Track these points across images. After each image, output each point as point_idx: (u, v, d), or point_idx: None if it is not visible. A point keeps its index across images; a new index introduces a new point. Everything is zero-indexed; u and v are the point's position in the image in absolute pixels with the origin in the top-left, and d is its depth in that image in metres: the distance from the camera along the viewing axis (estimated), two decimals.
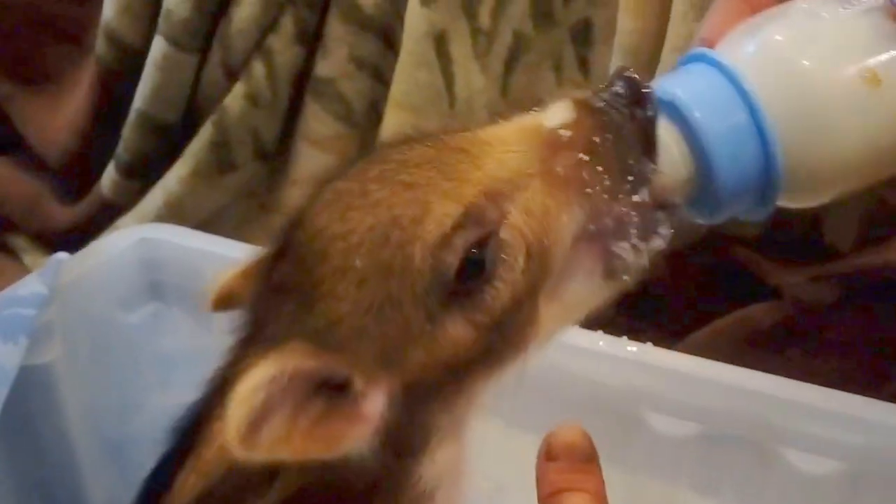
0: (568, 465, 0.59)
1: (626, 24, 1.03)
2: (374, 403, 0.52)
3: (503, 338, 0.54)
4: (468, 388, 0.56)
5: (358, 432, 0.52)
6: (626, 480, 0.82)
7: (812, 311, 1.04)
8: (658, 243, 0.55)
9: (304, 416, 0.50)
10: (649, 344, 0.81)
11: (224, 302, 0.61)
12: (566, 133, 0.54)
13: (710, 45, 0.59)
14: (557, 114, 0.55)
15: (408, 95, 1.15)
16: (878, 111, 0.55)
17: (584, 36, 1.11)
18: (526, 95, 1.14)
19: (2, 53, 1.41)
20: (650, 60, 1.01)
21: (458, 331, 0.53)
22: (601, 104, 0.54)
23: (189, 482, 0.54)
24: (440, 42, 1.13)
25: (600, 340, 0.80)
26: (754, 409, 0.77)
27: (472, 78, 1.14)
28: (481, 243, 0.52)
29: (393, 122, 1.16)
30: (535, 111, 0.57)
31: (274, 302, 0.54)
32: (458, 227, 0.51)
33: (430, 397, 0.54)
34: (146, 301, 0.96)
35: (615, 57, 1.05)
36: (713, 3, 0.63)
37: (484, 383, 0.56)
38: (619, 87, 0.54)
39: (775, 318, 1.04)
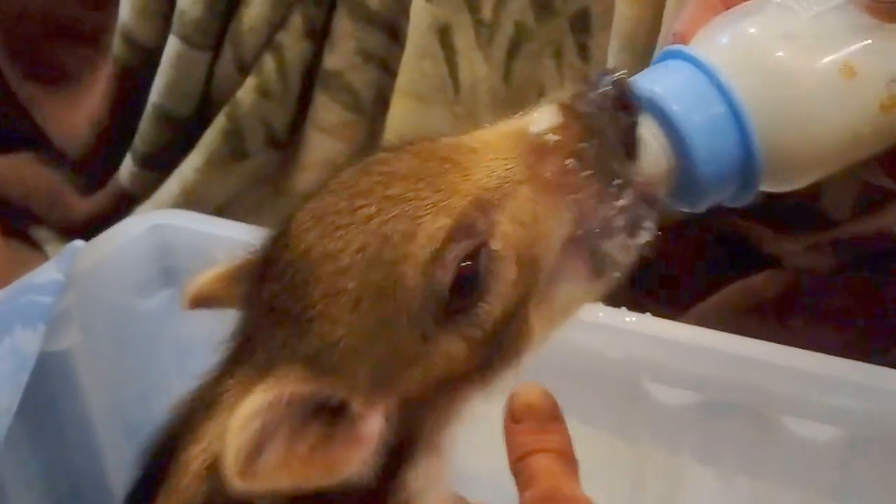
0: (533, 426, 0.59)
1: (624, 11, 1.03)
2: (372, 424, 0.51)
3: (497, 349, 0.53)
4: (461, 399, 0.54)
5: (358, 454, 0.50)
6: (629, 449, 0.83)
7: (811, 279, 1.03)
8: (643, 238, 0.54)
9: (302, 441, 0.48)
10: (648, 314, 0.81)
11: (200, 302, 0.60)
12: (552, 138, 0.53)
13: (685, 41, 0.59)
14: (543, 118, 0.54)
15: (414, 84, 1.16)
16: (854, 101, 0.55)
17: (583, 24, 1.11)
18: (528, 82, 1.15)
19: (24, 58, 1.43)
20: (646, 46, 1.01)
21: (452, 347, 0.51)
22: (587, 108, 0.53)
23: None
24: (444, 34, 1.14)
25: (600, 312, 0.79)
26: (753, 376, 0.77)
27: (476, 67, 1.14)
28: (472, 256, 0.50)
29: (399, 110, 1.17)
30: (520, 115, 0.55)
31: (264, 323, 0.52)
32: (450, 240, 0.49)
33: (422, 412, 0.53)
34: (161, 287, 0.96)
35: (613, 43, 1.06)
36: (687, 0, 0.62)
37: (477, 394, 0.55)
38: (609, 90, 0.53)
39: (777, 288, 1.04)
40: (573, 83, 1.14)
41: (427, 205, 0.50)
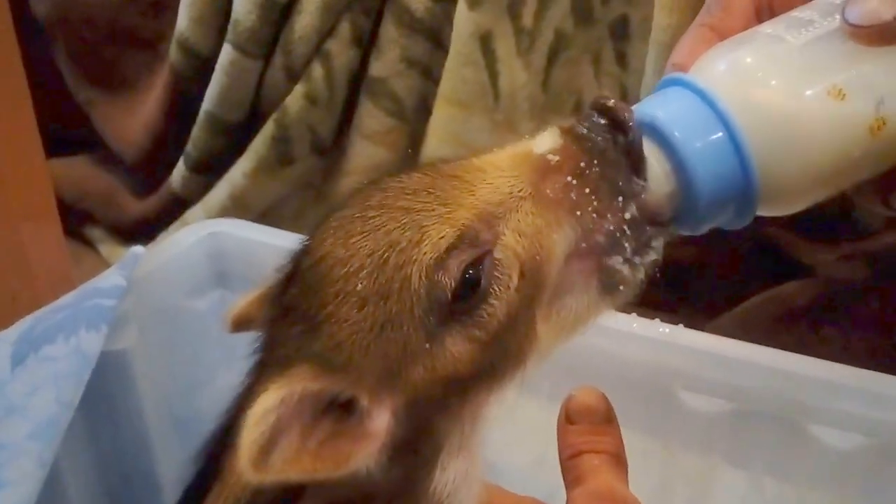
0: (587, 428, 0.61)
1: (661, 20, 1.03)
2: (379, 421, 0.52)
3: (502, 353, 0.54)
4: (472, 401, 0.56)
5: (364, 450, 0.52)
6: (661, 452, 0.83)
7: (844, 289, 1.03)
8: (652, 257, 0.56)
9: (313, 437, 0.50)
10: (681, 325, 0.81)
11: (240, 324, 0.63)
12: (554, 158, 0.55)
13: (683, 70, 0.59)
14: (546, 140, 0.56)
15: (455, 91, 1.17)
16: (844, 123, 0.55)
17: (621, 31, 1.12)
18: (566, 89, 1.15)
19: (85, 63, 1.46)
20: None
21: (457, 347, 0.53)
22: (585, 131, 0.55)
23: None
24: (486, 41, 1.14)
25: (634, 322, 0.80)
26: (782, 386, 0.77)
27: (516, 74, 1.15)
28: (476, 263, 0.52)
29: (441, 116, 1.18)
30: (526, 139, 0.57)
31: (283, 324, 0.55)
32: (453, 248, 0.52)
33: (435, 411, 0.54)
34: (213, 288, 0.98)
35: (651, 51, 1.06)
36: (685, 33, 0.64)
37: (486, 396, 0.56)
38: (596, 117, 0.55)
39: (809, 297, 1.04)
40: (611, 90, 1.15)
41: (433, 216, 0.52)
